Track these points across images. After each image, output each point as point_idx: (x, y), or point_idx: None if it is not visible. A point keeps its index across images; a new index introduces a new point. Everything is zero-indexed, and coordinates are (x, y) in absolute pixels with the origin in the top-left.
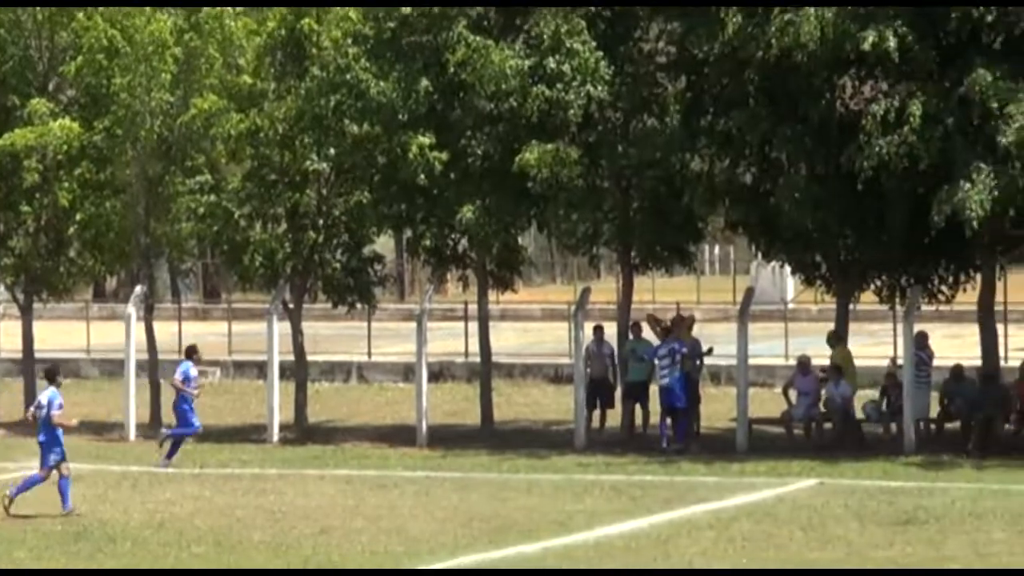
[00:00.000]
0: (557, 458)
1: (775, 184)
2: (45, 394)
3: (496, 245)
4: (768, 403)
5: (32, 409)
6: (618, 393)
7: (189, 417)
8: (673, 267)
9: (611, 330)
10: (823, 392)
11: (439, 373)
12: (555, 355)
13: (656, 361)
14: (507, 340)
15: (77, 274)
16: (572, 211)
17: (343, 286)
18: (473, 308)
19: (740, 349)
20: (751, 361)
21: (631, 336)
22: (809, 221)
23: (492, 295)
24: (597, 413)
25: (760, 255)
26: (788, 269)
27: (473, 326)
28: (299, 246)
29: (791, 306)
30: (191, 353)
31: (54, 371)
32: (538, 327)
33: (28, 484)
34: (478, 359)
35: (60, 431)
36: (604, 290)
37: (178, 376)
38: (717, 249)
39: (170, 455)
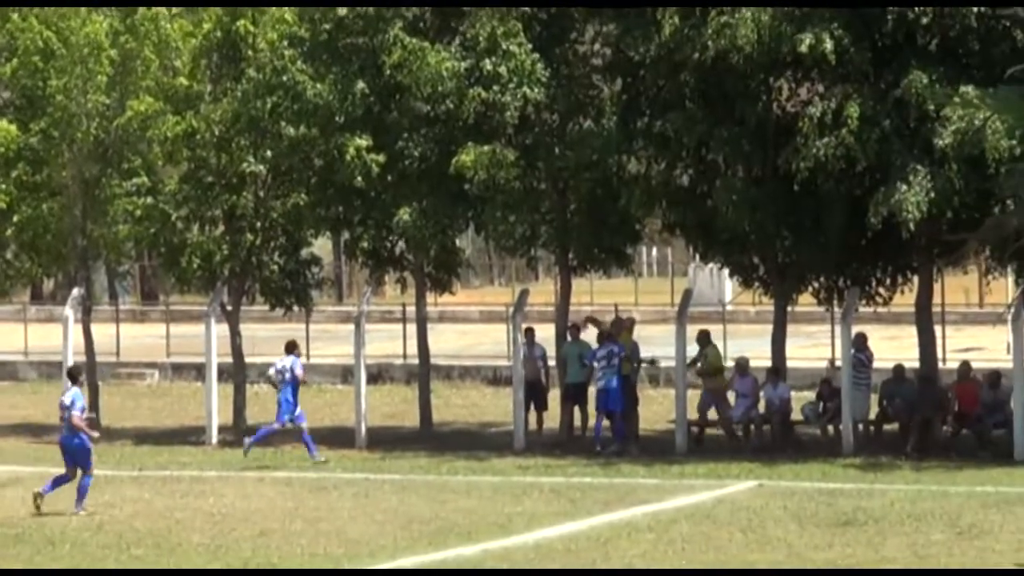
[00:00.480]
0: (496, 460)
1: (712, 186)
2: (68, 394)
3: (433, 247)
4: None
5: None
6: (554, 395)
7: (287, 409)
8: (611, 269)
9: (549, 332)
10: (762, 394)
11: (378, 375)
12: (493, 357)
13: (595, 363)
14: (446, 342)
15: (14, 276)
16: (509, 213)
17: (280, 288)
18: (411, 310)
19: (678, 351)
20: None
21: (569, 338)
22: (746, 223)
23: (430, 297)
24: (534, 415)
25: (697, 257)
26: (726, 271)
27: (411, 328)
28: (236, 248)
29: (729, 308)
30: (292, 348)
31: (76, 371)
32: (476, 329)
33: (83, 490)
34: (416, 361)
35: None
36: (542, 292)
37: (298, 370)
38: (655, 251)
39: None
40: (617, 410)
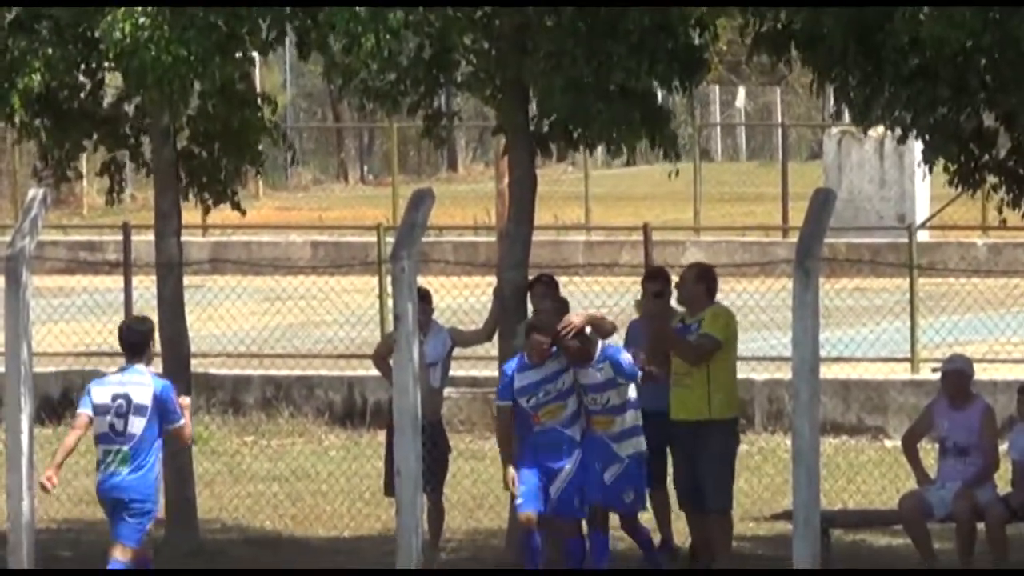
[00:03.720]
0: None
1: None
2: None
3: None
4: None
5: None
6: None
7: None
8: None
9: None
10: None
11: None
12: None
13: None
14: None
15: None
16: None
17: None
18: None
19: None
20: None
21: None
22: None
23: None
24: None
25: (846, 111)
26: (917, 148)
27: None
28: None
29: (924, 236)
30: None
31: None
32: None
33: None
34: None
35: None
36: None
37: None
38: (742, 95)
39: None
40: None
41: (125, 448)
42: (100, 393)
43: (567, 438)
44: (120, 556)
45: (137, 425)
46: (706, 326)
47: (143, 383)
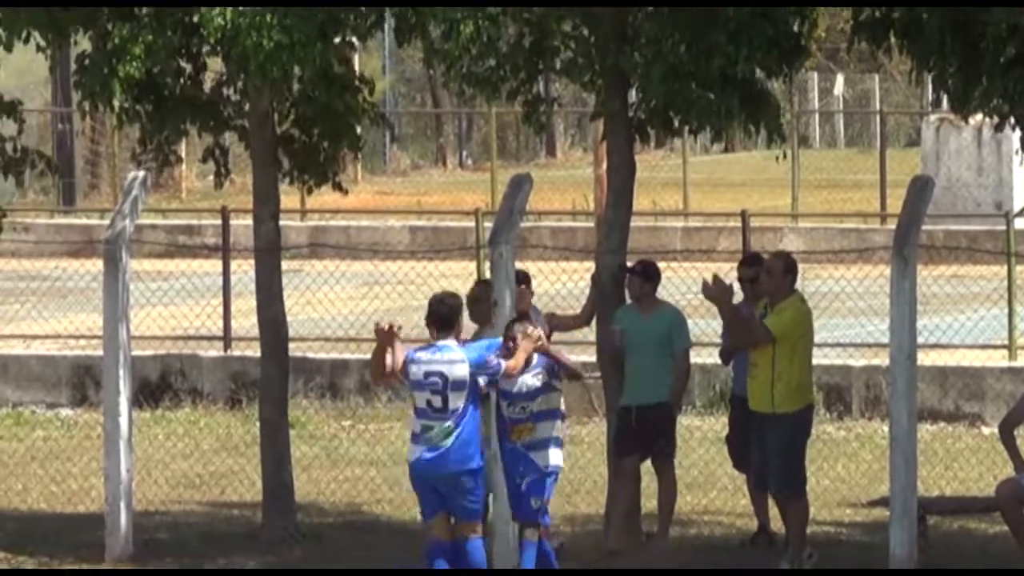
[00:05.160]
0: None
1: None
2: None
3: None
4: None
5: None
6: None
7: None
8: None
9: None
10: None
11: None
12: None
13: None
14: None
15: None
16: None
17: None
18: None
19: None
20: None
21: None
22: None
23: None
24: None
25: (944, 98)
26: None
27: None
28: None
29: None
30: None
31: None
32: None
33: None
34: None
35: None
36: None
37: None
38: (841, 83)
39: None
40: None
41: (447, 423)
42: (415, 372)
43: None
44: (470, 534)
45: (457, 400)
46: (771, 317)
47: (455, 359)
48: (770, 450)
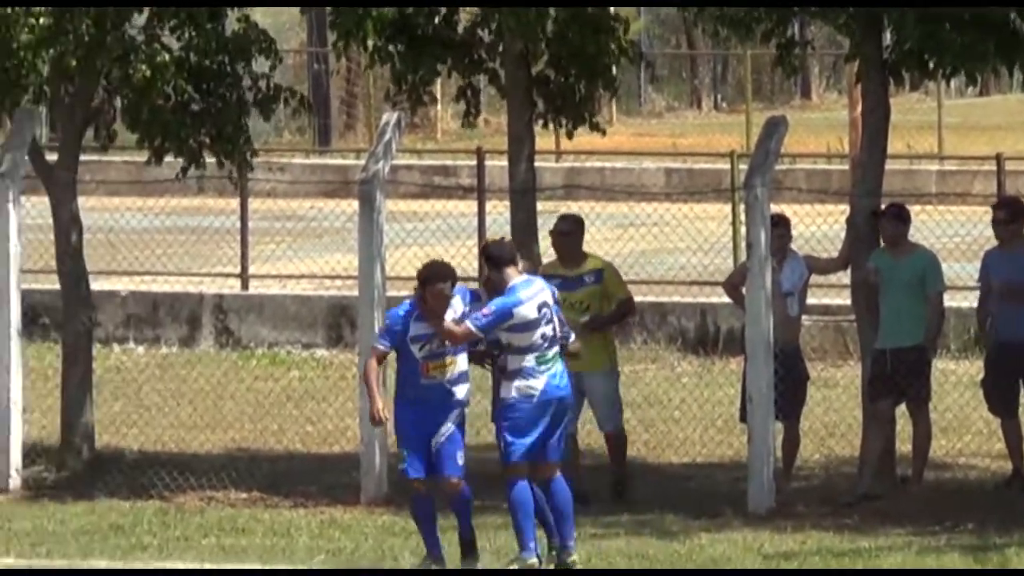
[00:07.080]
0: None
1: None
2: None
3: None
4: None
5: None
6: None
7: None
8: None
9: None
10: None
11: None
12: None
13: None
14: None
15: None
16: None
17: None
18: None
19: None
20: None
21: None
22: None
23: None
24: None
25: None
26: None
27: None
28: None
29: None
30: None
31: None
32: None
33: None
34: None
35: None
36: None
37: None
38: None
39: None
40: None
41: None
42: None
43: (452, 395)
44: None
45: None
46: None
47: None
48: None
